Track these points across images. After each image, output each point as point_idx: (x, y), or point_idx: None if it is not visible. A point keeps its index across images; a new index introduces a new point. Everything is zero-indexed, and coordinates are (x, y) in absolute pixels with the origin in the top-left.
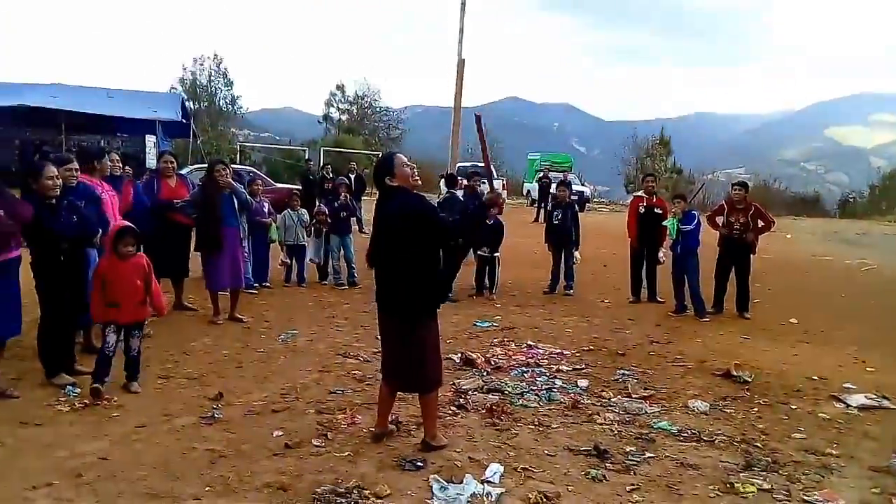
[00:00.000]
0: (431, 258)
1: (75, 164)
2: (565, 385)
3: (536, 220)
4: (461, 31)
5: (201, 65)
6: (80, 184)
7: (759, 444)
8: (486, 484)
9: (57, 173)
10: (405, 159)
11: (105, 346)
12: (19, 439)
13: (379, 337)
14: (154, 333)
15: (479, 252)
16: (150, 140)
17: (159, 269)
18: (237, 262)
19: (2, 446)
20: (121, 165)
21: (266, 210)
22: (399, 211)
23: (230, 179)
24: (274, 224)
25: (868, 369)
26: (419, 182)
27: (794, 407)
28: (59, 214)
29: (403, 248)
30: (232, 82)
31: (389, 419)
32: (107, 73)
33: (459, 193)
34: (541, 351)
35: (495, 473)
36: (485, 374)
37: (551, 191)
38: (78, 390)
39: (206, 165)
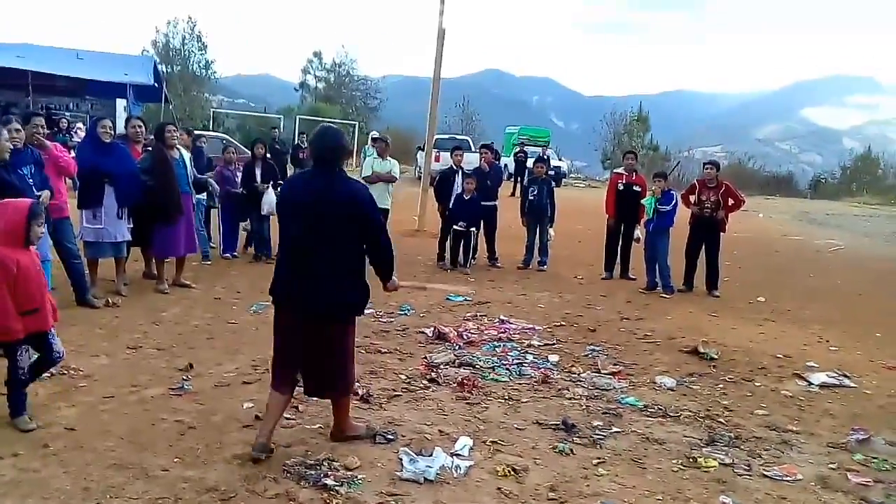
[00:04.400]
0: (362, 256)
1: (16, 126)
2: (536, 360)
3: (513, 194)
4: (442, 0)
5: (175, 27)
6: (28, 148)
7: (722, 420)
8: (455, 457)
9: (8, 137)
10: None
11: (17, 369)
12: None
13: (278, 335)
14: (122, 303)
15: (455, 226)
16: (121, 103)
17: (135, 239)
18: (191, 229)
19: None
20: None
21: (239, 180)
22: (345, 198)
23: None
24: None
25: (831, 348)
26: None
27: (758, 384)
28: (16, 173)
29: (342, 240)
30: (206, 46)
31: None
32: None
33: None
34: (513, 326)
35: (465, 447)
36: (457, 348)
37: (528, 165)
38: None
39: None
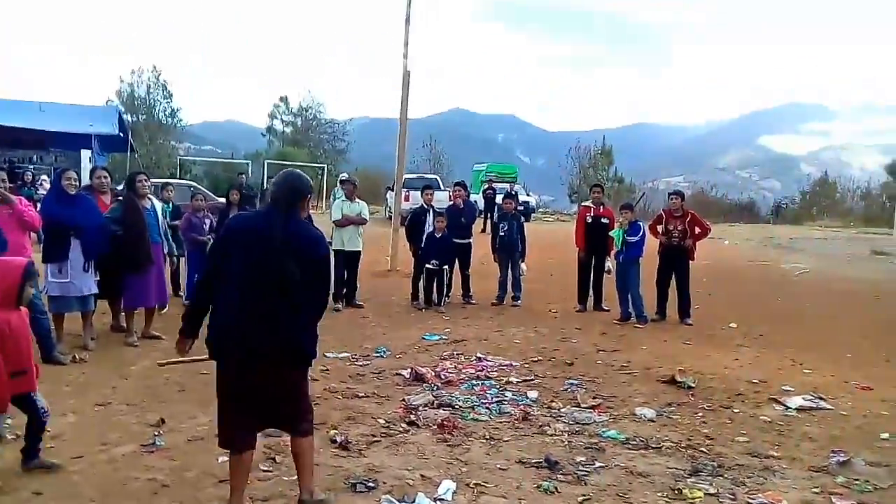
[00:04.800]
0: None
1: None
2: (515, 397)
3: (484, 230)
4: (406, 44)
5: (139, 77)
6: None
7: (704, 449)
8: (438, 502)
9: None
10: None
11: None
12: None
13: (225, 388)
14: (90, 358)
15: (427, 265)
16: (86, 154)
17: (101, 291)
18: (162, 279)
19: None
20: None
21: (207, 227)
22: (302, 238)
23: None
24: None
25: (805, 371)
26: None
27: (736, 410)
28: None
29: (293, 280)
30: (171, 94)
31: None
32: (39, 87)
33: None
34: (490, 363)
35: (448, 490)
36: (435, 388)
37: (497, 202)
38: (9, 421)
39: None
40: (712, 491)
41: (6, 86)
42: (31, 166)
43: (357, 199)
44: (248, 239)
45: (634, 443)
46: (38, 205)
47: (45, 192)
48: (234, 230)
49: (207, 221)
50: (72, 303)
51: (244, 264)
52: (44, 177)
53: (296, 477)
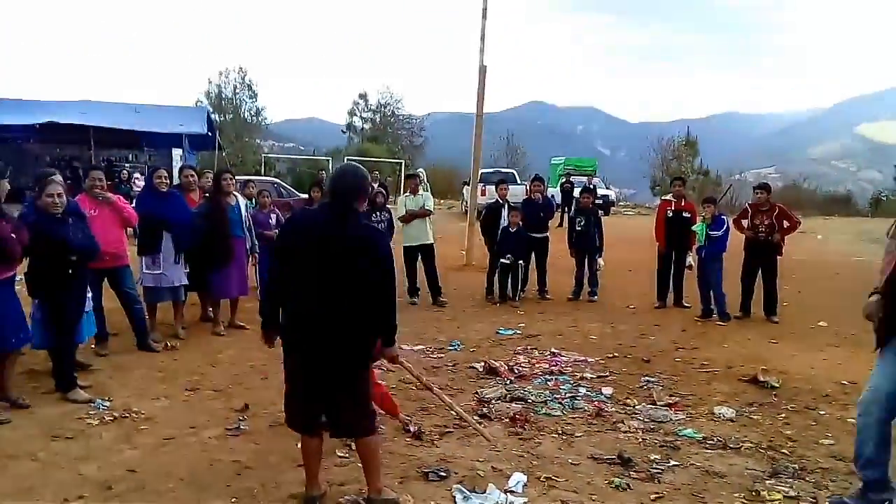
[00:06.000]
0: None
1: (59, 179)
2: (589, 393)
3: (560, 224)
4: (482, 38)
5: (226, 77)
6: (70, 201)
7: (786, 451)
8: (509, 494)
9: (61, 191)
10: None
11: None
12: (51, 453)
13: (288, 383)
14: (181, 346)
15: (502, 259)
16: (177, 153)
17: (191, 283)
18: (243, 271)
19: (34, 460)
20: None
21: (273, 222)
22: (359, 235)
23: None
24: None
25: None
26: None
27: (822, 412)
28: (67, 228)
29: (354, 279)
30: (256, 94)
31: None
32: (134, 89)
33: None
34: (564, 358)
35: (518, 483)
36: (508, 382)
37: (575, 195)
38: (107, 403)
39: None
40: (792, 494)
41: (104, 88)
42: (127, 165)
43: (421, 192)
44: (308, 236)
45: (712, 442)
46: (133, 201)
47: (139, 190)
48: (293, 227)
49: (274, 216)
50: (164, 293)
51: (303, 261)
52: (137, 174)
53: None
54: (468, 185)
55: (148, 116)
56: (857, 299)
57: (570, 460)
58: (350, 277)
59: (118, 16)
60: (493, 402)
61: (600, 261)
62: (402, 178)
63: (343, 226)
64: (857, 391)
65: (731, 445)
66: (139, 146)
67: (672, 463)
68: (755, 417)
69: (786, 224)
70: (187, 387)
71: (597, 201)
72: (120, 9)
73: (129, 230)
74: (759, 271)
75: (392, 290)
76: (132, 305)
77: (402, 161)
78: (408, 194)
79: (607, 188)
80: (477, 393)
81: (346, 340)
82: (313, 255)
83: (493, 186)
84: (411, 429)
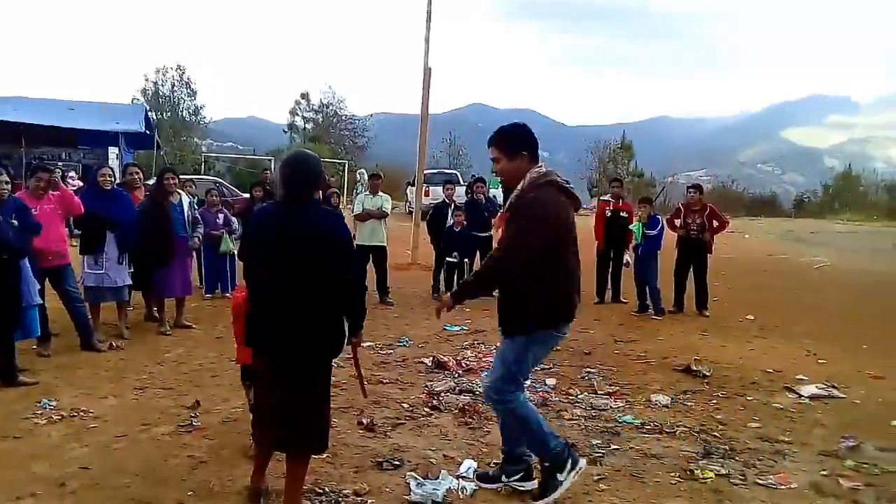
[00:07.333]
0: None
1: (5, 178)
2: (534, 384)
3: None
4: (427, 40)
5: (164, 75)
6: (11, 197)
7: (717, 434)
8: (460, 479)
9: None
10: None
11: None
12: None
13: (263, 398)
14: (126, 346)
15: (448, 258)
16: (113, 151)
17: (135, 283)
18: (186, 271)
19: None
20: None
21: (221, 221)
22: (329, 230)
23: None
24: (226, 235)
25: (819, 361)
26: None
27: (750, 398)
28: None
29: (327, 278)
30: (195, 92)
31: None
32: (68, 86)
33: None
34: None
35: (469, 469)
36: (456, 376)
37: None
38: (54, 403)
39: (184, 177)
40: (723, 472)
41: (37, 85)
42: (60, 163)
43: (380, 193)
44: (273, 234)
45: (649, 427)
46: None
47: (73, 188)
48: (257, 225)
49: (221, 216)
50: (105, 293)
51: (276, 266)
52: (72, 173)
53: (325, 455)
54: (412, 185)
55: (83, 114)
56: (781, 294)
57: None
58: (321, 267)
59: (50, 10)
60: (443, 394)
61: None
62: (346, 179)
63: (306, 217)
64: (782, 379)
65: (667, 430)
66: (74, 144)
67: (613, 447)
68: (689, 404)
69: (715, 223)
70: (136, 385)
71: None
72: (52, 3)
73: (68, 230)
74: (692, 268)
75: (360, 273)
76: (74, 304)
77: (346, 162)
78: (367, 193)
79: None
80: (427, 386)
81: (320, 330)
82: (282, 251)
83: (437, 187)
84: (364, 421)
